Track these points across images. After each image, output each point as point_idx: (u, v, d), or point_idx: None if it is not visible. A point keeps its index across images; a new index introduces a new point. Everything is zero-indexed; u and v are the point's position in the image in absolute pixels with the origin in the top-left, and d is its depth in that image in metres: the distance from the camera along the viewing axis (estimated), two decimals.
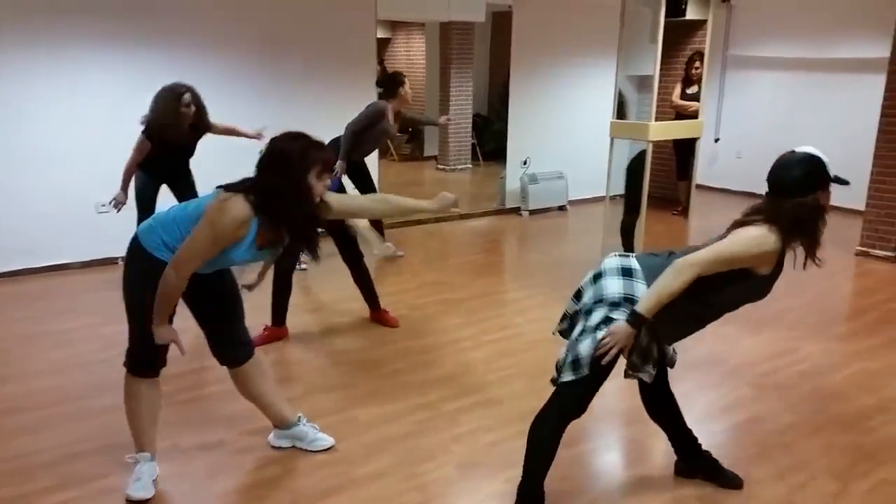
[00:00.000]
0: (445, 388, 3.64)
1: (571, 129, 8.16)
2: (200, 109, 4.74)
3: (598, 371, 2.33)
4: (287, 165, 2.38)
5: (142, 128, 4.65)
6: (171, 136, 4.63)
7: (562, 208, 8.15)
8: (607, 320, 2.32)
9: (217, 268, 2.60)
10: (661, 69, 4.06)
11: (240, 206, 2.36)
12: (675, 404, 2.75)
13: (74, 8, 5.29)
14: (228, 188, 2.44)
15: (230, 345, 2.80)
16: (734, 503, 2.71)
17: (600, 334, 2.30)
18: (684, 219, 4.72)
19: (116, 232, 5.69)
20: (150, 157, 4.74)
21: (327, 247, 5.61)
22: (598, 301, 2.38)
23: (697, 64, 6.24)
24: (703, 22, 4.37)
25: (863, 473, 2.91)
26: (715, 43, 7.50)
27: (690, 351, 3.93)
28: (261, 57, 6.13)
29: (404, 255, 6.02)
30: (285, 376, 3.75)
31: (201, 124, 4.80)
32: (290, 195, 2.39)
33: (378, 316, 4.51)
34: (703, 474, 2.82)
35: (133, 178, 4.86)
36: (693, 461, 2.82)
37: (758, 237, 2.26)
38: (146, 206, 4.91)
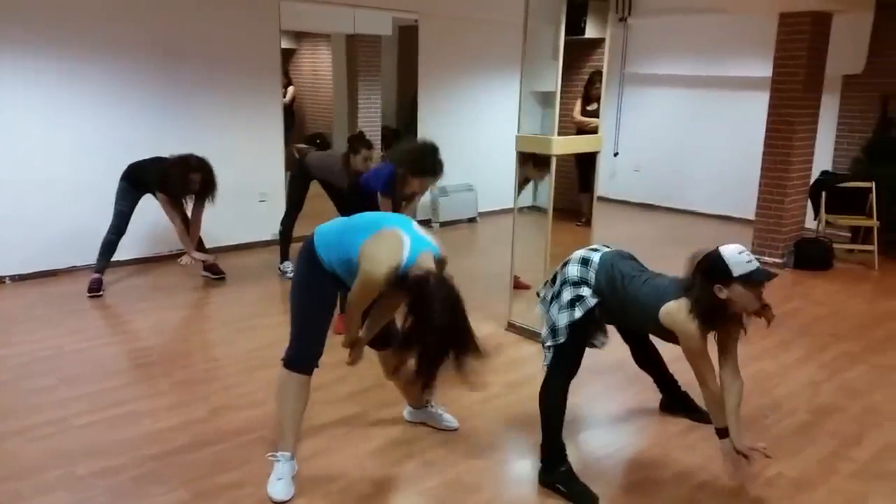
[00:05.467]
0: (359, 402, 3.60)
1: (480, 141, 8.28)
2: (208, 184, 5.19)
3: (574, 337, 2.82)
4: None
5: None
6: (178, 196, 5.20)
7: (472, 220, 8.24)
8: (578, 298, 2.81)
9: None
10: (562, 85, 4.17)
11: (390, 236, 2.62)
12: (657, 352, 3.42)
13: None
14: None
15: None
16: (643, 502, 2.80)
17: (577, 312, 2.79)
18: (588, 229, 4.85)
19: (49, 245, 5.49)
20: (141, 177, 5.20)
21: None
22: (564, 283, 2.89)
23: (598, 84, 6.46)
24: (602, 40, 4.52)
25: (760, 469, 3.06)
26: (613, 61, 7.80)
27: (598, 356, 4.03)
28: (157, 64, 5.90)
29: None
30: (188, 398, 3.61)
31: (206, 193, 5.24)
32: None
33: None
34: (683, 411, 3.50)
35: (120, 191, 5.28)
36: (673, 398, 3.52)
37: (681, 329, 2.63)
38: (124, 213, 5.28)
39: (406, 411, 3.42)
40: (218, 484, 2.85)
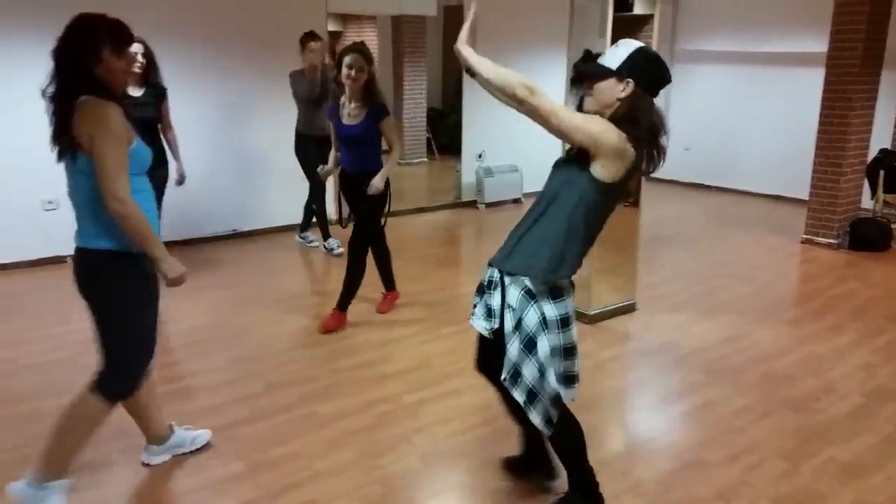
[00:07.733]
0: (405, 380, 3.65)
1: (525, 122, 8.01)
2: (151, 62, 4.68)
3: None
4: (75, 50, 2.43)
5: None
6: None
7: (517, 201, 8.21)
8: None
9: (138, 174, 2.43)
10: None
11: (101, 103, 2.32)
12: None
13: None
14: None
15: None
16: (692, 484, 2.79)
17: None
18: (636, 209, 4.79)
19: (62, 230, 5.62)
20: None
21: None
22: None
23: None
24: (651, 16, 4.44)
25: (811, 453, 3.02)
26: (662, 37, 7.64)
27: (645, 338, 4.02)
28: (205, 50, 6.00)
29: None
30: (243, 374, 3.71)
31: (151, 80, 4.71)
32: (91, 76, 2.37)
33: (389, 295, 4.71)
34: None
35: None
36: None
37: (603, 124, 2.29)
38: None
39: (145, 454, 2.93)
40: (273, 456, 2.93)
